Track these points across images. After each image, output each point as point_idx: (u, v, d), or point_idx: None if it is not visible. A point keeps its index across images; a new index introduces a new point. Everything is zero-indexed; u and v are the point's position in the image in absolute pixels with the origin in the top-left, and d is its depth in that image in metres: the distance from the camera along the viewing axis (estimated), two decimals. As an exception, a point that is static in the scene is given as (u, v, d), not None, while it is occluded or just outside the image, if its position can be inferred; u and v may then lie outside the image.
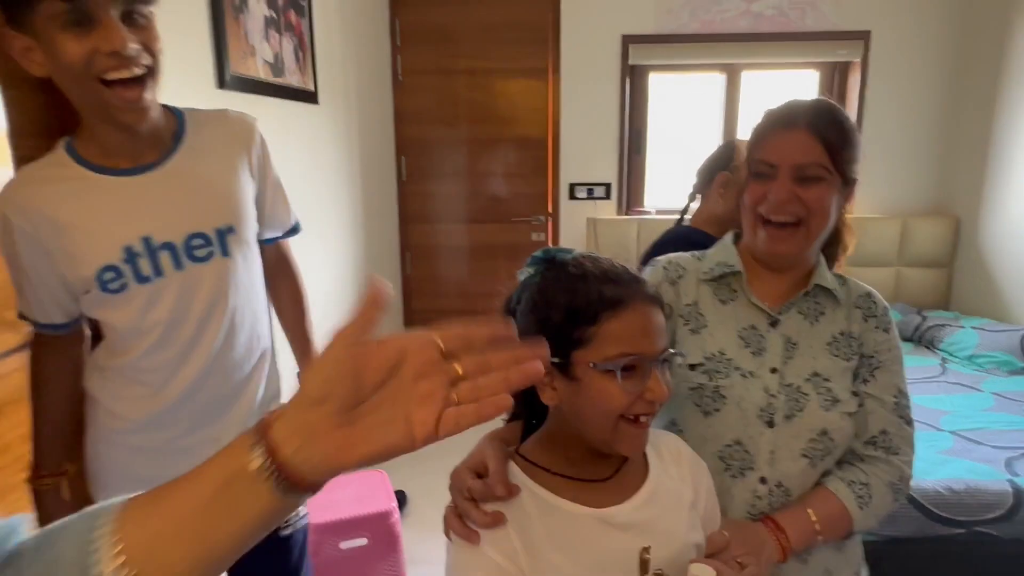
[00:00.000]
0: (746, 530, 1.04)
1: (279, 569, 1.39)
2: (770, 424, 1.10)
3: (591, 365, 0.84)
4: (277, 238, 1.39)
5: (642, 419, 0.87)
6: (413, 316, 4.23)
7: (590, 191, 3.96)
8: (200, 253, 1.18)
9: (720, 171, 1.82)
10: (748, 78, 3.85)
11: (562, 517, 0.88)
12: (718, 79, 3.84)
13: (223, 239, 1.21)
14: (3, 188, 1.11)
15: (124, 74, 1.02)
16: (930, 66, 3.67)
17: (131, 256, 1.13)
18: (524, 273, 0.93)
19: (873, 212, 3.78)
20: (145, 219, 1.14)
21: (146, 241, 1.14)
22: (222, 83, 1.93)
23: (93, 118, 1.09)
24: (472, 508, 0.84)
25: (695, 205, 1.93)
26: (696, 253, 1.23)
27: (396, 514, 2.38)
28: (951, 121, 3.70)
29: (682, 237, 1.74)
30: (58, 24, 0.97)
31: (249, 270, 1.27)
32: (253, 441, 0.48)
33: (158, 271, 1.15)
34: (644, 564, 0.87)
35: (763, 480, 1.10)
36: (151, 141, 1.15)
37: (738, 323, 1.16)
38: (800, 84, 3.91)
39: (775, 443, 1.10)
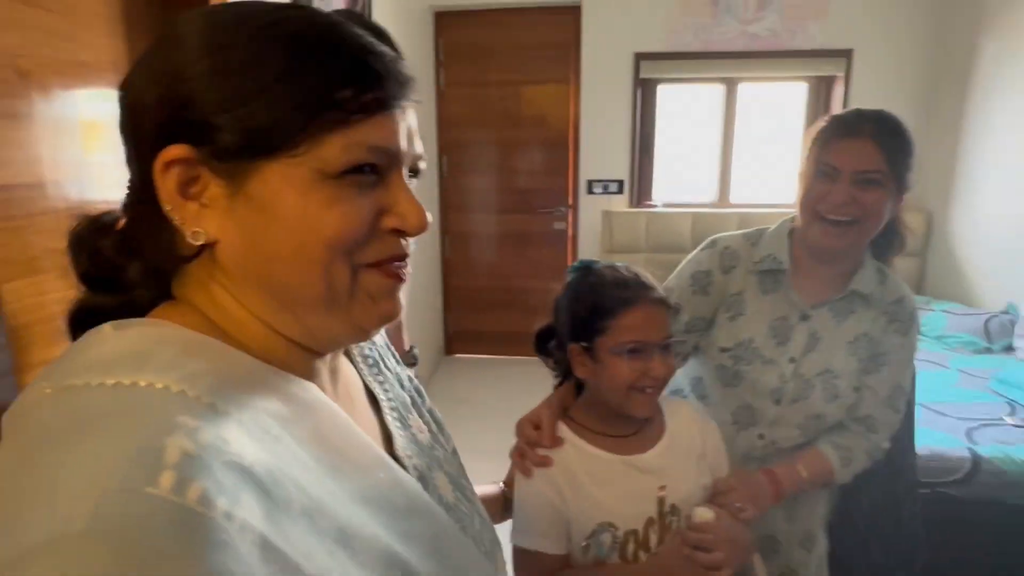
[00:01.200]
0: (749, 480, 1.07)
1: None
2: (777, 402, 1.17)
3: (608, 349, 0.96)
4: None
5: (648, 390, 0.96)
6: (451, 293, 4.42)
7: (605, 187, 4.07)
8: None
9: None
10: (745, 89, 3.94)
11: (597, 462, 0.98)
12: (718, 90, 3.95)
13: None
14: None
15: None
16: (905, 79, 3.75)
17: None
18: (568, 277, 1.04)
19: (853, 207, 3.89)
20: None
21: None
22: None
23: None
24: (529, 450, 0.98)
25: None
26: (752, 236, 1.23)
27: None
28: (924, 128, 3.79)
29: None
30: None
31: None
32: None
33: None
34: (661, 500, 0.97)
35: (761, 436, 1.19)
36: None
37: (773, 314, 1.17)
38: (790, 96, 3.98)
39: (778, 415, 1.17)
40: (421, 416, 0.62)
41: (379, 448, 0.48)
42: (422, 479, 0.53)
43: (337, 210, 0.42)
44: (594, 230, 4.08)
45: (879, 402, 1.16)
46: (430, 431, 0.62)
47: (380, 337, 0.65)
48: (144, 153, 0.42)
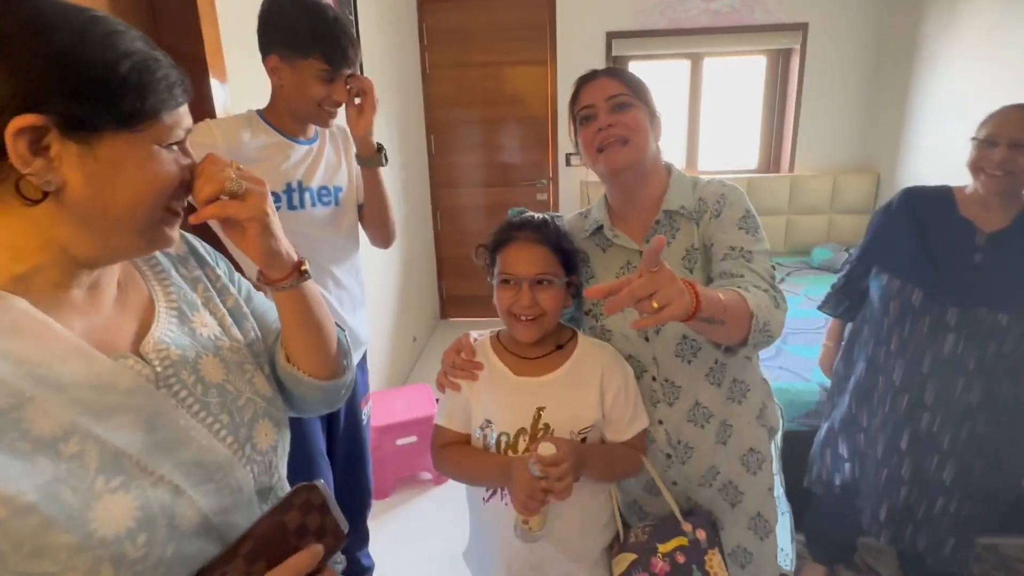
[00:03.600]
0: (669, 277, 0.80)
1: (358, 437, 1.78)
2: (647, 339, 1.15)
3: (494, 279, 1.09)
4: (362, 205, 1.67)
5: (523, 318, 1.05)
6: (443, 262, 4.45)
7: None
8: (325, 200, 1.50)
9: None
10: (709, 64, 3.93)
11: (497, 374, 1.10)
12: (684, 65, 3.94)
13: (337, 194, 1.53)
14: (218, 120, 1.40)
15: (334, 108, 1.42)
16: (856, 50, 3.75)
17: (288, 190, 1.43)
18: None
19: (810, 171, 3.95)
20: (299, 170, 1.45)
21: (299, 183, 1.44)
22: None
23: (293, 112, 1.43)
24: (443, 377, 1.12)
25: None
26: (585, 211, 1.29)
27: (438, 417, 2.61)
28: (872, 96, 3.82)
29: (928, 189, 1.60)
30: (314, 74, 1.35)
31: (349, 217, 1.58)
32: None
33: (302, 205, 1.45)
34: (536, 417, 1.05)
35: (654, 379, 1.16)
36: (308, 130, 1.50)
37: (617, 264, 1.18)
38: (750, 68, 3.96)
39: (654, 351, 1.15)
40: (214, 313, 0.71)
41: (83, 345, 0.54)
42: (173, 364, 0.61)
43: (165, 169, 0.56)
44: (573, 199, 4.10)
45: (723, 262, 1.07)
46: (221, 326, 0.70)
47: (180, 249, 0.73)
48: None
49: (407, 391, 2.72)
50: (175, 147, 0.58)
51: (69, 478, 0.47)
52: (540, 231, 1.07)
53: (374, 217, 1.62)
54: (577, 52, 3.89)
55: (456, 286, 4.49)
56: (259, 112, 1.45)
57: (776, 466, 1.28)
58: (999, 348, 1.46)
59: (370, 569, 1.91)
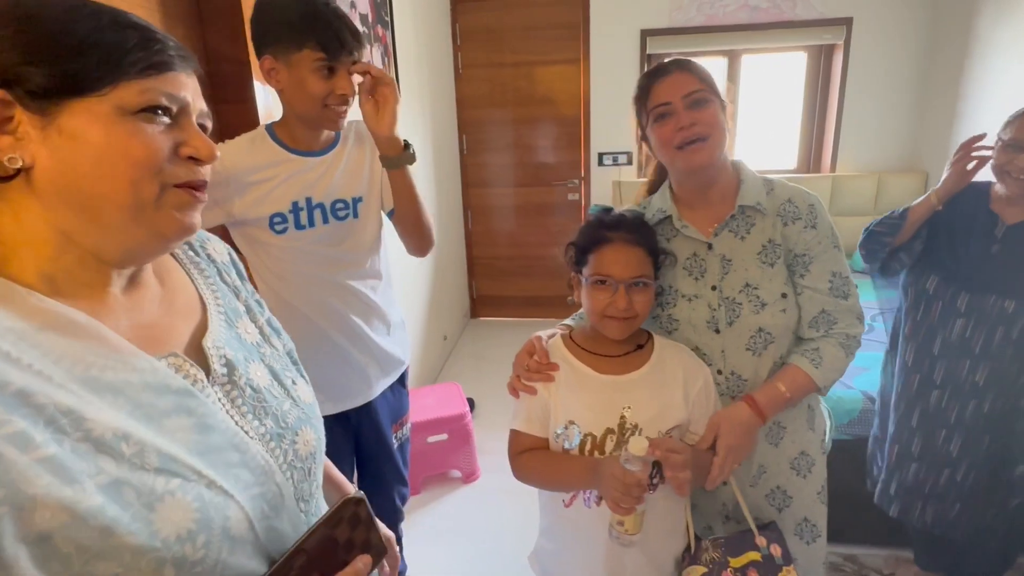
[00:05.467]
0: (731, 414, 1.09)
1: (383, 459, 1.68)
2: (717, 331, 1.15)
3: (586, 279, 1.08)
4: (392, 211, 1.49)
5: (615, 318, 1.05)
6: (474, 262, 4.45)
7: (615, 159, 4.04)
8: (341, 214, 1.38)
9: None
10: (747, 61, 3.83)
11: (578, 374, 1.08)
12: (721, 63, 3.84)
13: (356, 205, 1.40)
14: (221, 145, 1.31)
15: (342, 106, 1.29)
16: (904, 45, 3.61)
17: (295, 209, 1.32)
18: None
19: (853, 170, 3.82)
20: (307, 186, 1.33)
21: (307, 200, 1.33)
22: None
23: (299, 119, 1.31)
24: (516, 381, 1.11)
25: None
26: (644, 202, 1.27)
27: (468, 416, 2.58)
28: (921, 93, 3.68)
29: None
30: (311, 67, 1.22)
31: (371, 228, 1.44)
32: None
33: (311, 223, 1.34)
34: (623, 416, 1.04)
35: (719, 372, 1.15)
36: (323, 139, 1.37)
37: (683, 255, 1.18)
38: (791, 65, 3.85)
39: (724, 344, 1.15)
40: (255, 322, 0.71)
41: (133, 347, 0.52)
42: (228, 365, 0.60)
43: (138, 138, 0.51)
44: (605, 199, 4.05)
45: (824, 296, 1.14)
46: (262, 334, 0.71)
47: (223, 257, 0.73)
48: None
49: (438, 389, 2.74)
50: (162, 117, 0.53)
51: (131, 479, 0.47)
52: (636, 232, 1.08)
53: (405, 222, 1.45)
54: (611, 51, 3.83)
55: (487, 286, 4.49)
56: (270, 126, 1.36)
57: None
58: (1006, 334, 1.51)
59: (403, 573, 1.91)
